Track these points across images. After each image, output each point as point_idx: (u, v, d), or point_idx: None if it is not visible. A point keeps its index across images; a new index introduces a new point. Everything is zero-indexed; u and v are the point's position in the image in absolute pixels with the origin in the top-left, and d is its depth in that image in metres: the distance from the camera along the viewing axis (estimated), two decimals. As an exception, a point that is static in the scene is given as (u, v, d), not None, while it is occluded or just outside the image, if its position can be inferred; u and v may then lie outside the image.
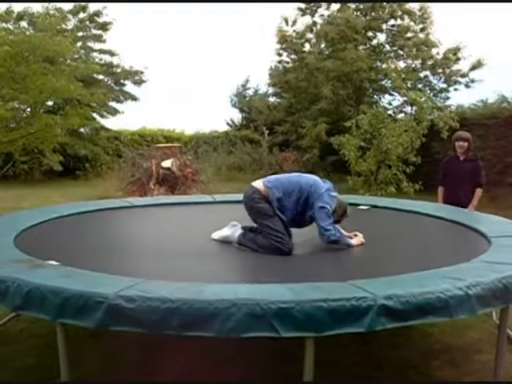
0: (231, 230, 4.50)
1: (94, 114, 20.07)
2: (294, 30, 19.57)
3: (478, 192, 6.39)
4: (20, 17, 18.07)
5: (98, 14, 21.26)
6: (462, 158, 6.47)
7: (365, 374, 3.85)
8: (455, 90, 18.44)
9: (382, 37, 19.18)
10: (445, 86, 18.54)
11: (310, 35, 19.56)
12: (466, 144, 6.45)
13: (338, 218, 4.37)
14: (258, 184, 4.41)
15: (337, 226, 4.39)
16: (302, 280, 3.00)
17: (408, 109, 16.80)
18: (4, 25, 11.27)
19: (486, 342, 4.38)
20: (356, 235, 4.46)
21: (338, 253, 4.24)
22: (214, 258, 4.11)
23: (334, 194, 4.41)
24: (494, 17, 25.34)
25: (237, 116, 25.48)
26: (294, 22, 19.48)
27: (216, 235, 4.60)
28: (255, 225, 4.44)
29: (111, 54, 22.01)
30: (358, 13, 18.82)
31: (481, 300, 2.88)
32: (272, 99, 23.49)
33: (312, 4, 19.16)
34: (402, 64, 18.95)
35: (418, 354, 4.25)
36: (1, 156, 14.69)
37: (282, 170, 19.55)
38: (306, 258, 4.14)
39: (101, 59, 21.95)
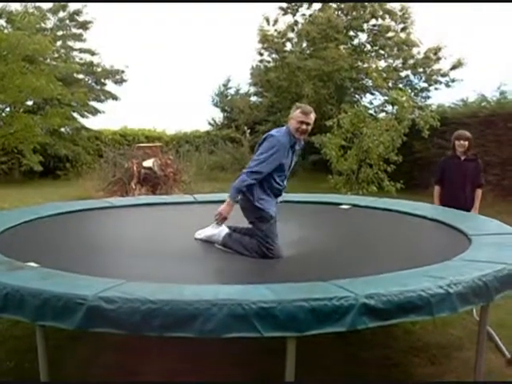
0: (217, 230, 4.45)
1: (75, 114, 19.96)
2: (276, 30, 19.60)
3: (479, 193, 6.20)
4: (-2, 15, 17.89)
5: (78, 12, 21.11)
6: (462, 158, 6.25)
7: (347, 372, 3.85)
8: (436, 89, 18.62)
9: (363, 36, 19.32)
10: (425, 85, 18.69)
11: (291, 34, 19.61)
12: (466, 143, 6.24)
13: (298, 122, 4.26)
14: None
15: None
16: (284, 281, 2.99)
17: (389, 108, 16.87)
18: (-18, 23, 11.15)
19: (466, 339, 4.41)
20: None
21: (319, 253, 4.25)
22: (195, 259, 4.09)
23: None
24: (473, 16, 25.59)
25: (218, 115, 25.46)
26: (276, 22, 19.53)
27: (199, 234, 4.58)
28: (240, 225, 4.42)
29: (91, 53, 21.87)
30: (340, 12, 18.90)
31: (461, 298, 2.89)
32: (253, 98, 23.51)
33: (293, 3, 19.20)
34: (383, 63, 19.09)
35: (399, 352, 4.26)
36: (-21, 156, 14.52)
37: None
38: (288, 258, 4.13)
39: (81, 58, 21.82)
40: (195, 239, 4.59)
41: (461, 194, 6.11)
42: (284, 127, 4.38)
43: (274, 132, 4.36)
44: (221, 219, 4.22)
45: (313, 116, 4.32)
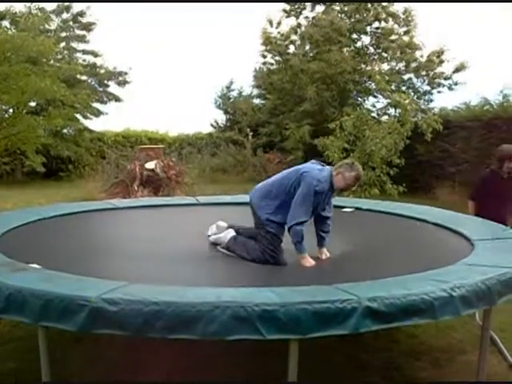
0: (223, 233, 4.44)
1: (78, 115, 19.96)
2: (279, 32, 19.59)
3: None
4: (2, 16, 17.90)
5: (81, 14, 21.15)
6: (505, 176, 5.76)
7: (349, 375, 3.85)
8: (439, 92, 18.59)
9: (366, 39, 19.29)
10: (428, 88, 18.66)
11: (294, 37, 19.59)
12: None
13: (347, 184, 4.16)
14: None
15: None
16: (287, 284, 3.00)
17: (392, 111, 16.87)
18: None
19: (469, 343, 4.40)
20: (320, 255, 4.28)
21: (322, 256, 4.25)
22: (198, 261, 4.09)
23: (322, 168, 4.26)
24: (476, 20, 25.58)
25: (221, 117, 25.44)
26: (279, 24, 19.52)
27: (211, 234, 4.57)
28: (243, 225, 4.42)
29: (95, 54, 21.89)
30: (343, 15, 18.88)
31: (464, 301, 2.89)
32: (256, 101, 23.51)
33: (297, 6, 19.21)
34: (386, 66, 19.05)
35: (401, 355, 4.26)
36: (-18, 157, 14.55)
37: (266, 172, 19.59)
38: (292, 261, 4.12)
39: (84, 60, 21.83)
40: (208, 236, 4.57)
41: (500, 211, 5.64)
42: (326, 171, 4.21)
43: (311, 170, 4.20)
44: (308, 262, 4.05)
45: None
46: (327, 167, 4.28)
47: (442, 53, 18.02)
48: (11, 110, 12.17)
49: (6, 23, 18.02)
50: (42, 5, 18.81)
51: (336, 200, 7.13)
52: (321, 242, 4.31)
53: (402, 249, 4.53)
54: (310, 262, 4.00)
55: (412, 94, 17.81)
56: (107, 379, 3.60)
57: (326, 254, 4.26)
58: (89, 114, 20.99)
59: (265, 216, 4.16)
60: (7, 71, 10.39)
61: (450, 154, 14.23)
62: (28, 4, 17.63)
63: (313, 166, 4.30)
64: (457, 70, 17.94)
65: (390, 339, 4.48)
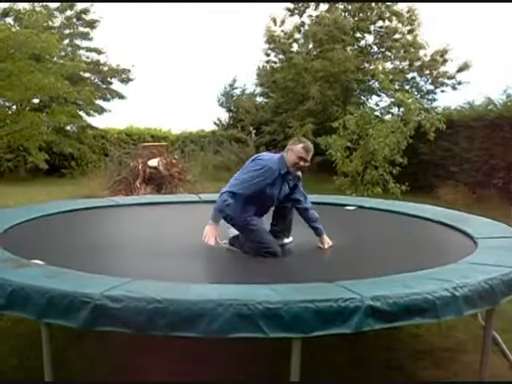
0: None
1: (81, 112, 19.96)
2: (282, 30, 19.60)
3: None
4: (5, 13, 17.91)
5: (85, 11, 21.14)
6: None
7: (350, 374, 3.84)
8: (442, 91, 18.60)
9: (369, 38, 19.30)
10: (432, 87, 18.67)
11: (298, 35, 19.60)
12: None
13: (298, 158, 4.18)
14: None
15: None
16: (290, 281, 2.99)
17: (395, 110, 16.85)
18: (-11, 21, 11.21)
19: (471, 342, 4.39)
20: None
21: (324, 254, 4.25)
22: (200, 258, 4.09)
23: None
24: (480, 19, 25.54)
25: (224, 115, 25.45)
26: (283, 22, 19.52)
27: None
28: None
29: (98, 51, 21.89)
30: (347, 14, 18.88)
31: (467, 301, 2.89)
32: (259, 99, 23.51)
33: (300, 4, 19.19)
34: (389, 65, 19.04)
35: (403, 355, 4.25)
36: (-15, 153, 14.57)
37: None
38: (293, 258, 4.13)
39: (88, 57, 21.83)
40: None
41: None
42: (278, 154, 4.31)
43: (264, 155, 4.34)
44: (209, 240, 4.12)
45: (311, 154, 4.26)
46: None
47: (446, 52, 18.02)
48: (14, 107, 12.18)
49: (9, 20, 18.02)
50: (45, 2, 18.83)
51: (339, 198, 7.17)
52: (316, 231, 4.37)
53: (404, 247, 4.53)
54: (211, 233, 4.06)
55: (415, 93, 17.81)
56: (109, 378, 3.60)
57: (327, 241, 4.31)
58: (92, 111, 20.99)
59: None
60: (11, 68, 10.39)
61: (453, 154, 14.20)
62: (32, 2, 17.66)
63: (265, 153, 4.48)
64: (460, 70, 17.94)
65: (392, 338, 4.48)
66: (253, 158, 4.33)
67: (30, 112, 12.12)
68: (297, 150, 4.18)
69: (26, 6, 17.85)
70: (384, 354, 4.21)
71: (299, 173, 4.37)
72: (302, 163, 4.20)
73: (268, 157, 4.29)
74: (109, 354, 4.01)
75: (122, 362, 3.84)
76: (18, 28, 14.81)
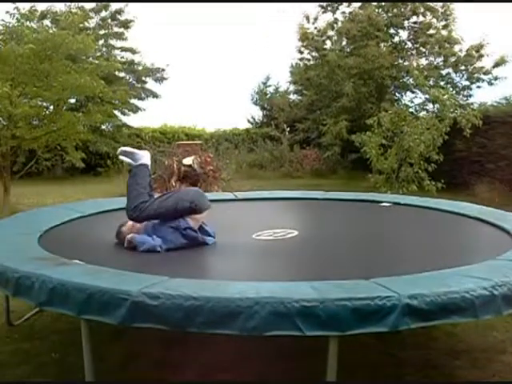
0: None
1: (116, 112, 20.20)
2: (316, 28, 19.55)
3: None
4: (43, 15, 18.21)
5: (119, 11, 21.44)
6: None
7: (386, 372, 3.82)
8: (478, 87, 18.29)
9: (403, 34, 19.11)
10: (467, 83, 18.38)
11: (331, 32, 19.53)
12: None
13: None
14: None
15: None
16: (326, 278, 2.98)
17: (430, 106, 16.69)
18: (28, 23, 11.38)
19: (509, 342, 4.33)
20: None
21: (358, 249, 4.27)
22: (236, 255, 4.11)
23: None
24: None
25: (257, 113, 25.55)
26: (316, 20, 19.47)
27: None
28: None
29: (133, 51, 22.16)
30: (380, 10, 18.72)
31: (506, 300, 2.84)
32: (293, 97, 23.52)
33: (334, 1, 19.11)
34: (424, 61, 18.84)
35: (440, 354, 4.20)
36: (24, 153, 14.85)
37: (303, 168, 19.55)
38: (331, 255, 4.12)
39: (122, 57, 22.11)
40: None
41: None
42: None
43: None
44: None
45: None
46: None
47: (482, 47, 17.73)
48: (51, 107, 12.37)
49: (47, 22, 18.33)
50: (81, 4, 19.10)
51: (373, 195, 7.13)
52: None
53: (441, 244, 4.47)
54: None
55: (451, 89, 17.55)
56: (146, 376, 3.65)
57: None
58: (127, 111, 21.27)
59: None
60: (48, 69, 10.57)
61: (490, 151, 14.00)
62: (68, 3, 17.92)
63: None
64: (497, 65, 17.63)
65: (428, 337, 4.44)
66: None
67: (67, 112, 12.31)
68: None
69: (63, 8, 18.12)
70: (419, 353, 4.17)
71: None
72: None
73: None
74: (147, 351, 4.05)
75: (160, 358, 3.89)
76: (55, 29, 15.04)
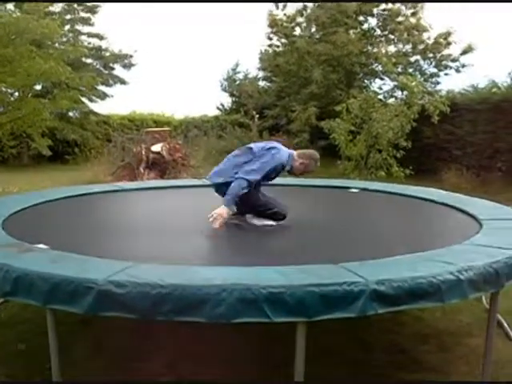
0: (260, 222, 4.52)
1: (83, 98, 19.94)
2: (285, 14, 19.47)
3: None
4: (6, -1, 17.83)
5: (86, -4, 21.07)
6: None
7: (354, 357, 3.85)
8: (446, 74, 18.47)
9: (372, 21, 19.15)
10: (435, 70, 18.54)
11: (300, 19, 19.48)
12: None
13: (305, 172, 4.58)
14: None
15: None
16: (293, 262, 2.97)
17: (399, 93, 16.80)
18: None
19: (475, 326, 4.39)
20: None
21: (327, 234, 4.27)
22: (202, 241, 4.10)
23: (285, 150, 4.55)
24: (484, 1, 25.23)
25: (227, 100, 25.42)
26: (285, 6, 19.38)
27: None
28: None
29: (100, 37, 21.85)
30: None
31: (472, 285, 2.87)
32: (262, 83, 23.45)
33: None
34: (392, 48, 18.93)
35: (408, 339, 4.25)
36: (-12, 140, 14.58)
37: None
38: (299, 240, 4.12)
39: (89, 43, 21.79)
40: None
41: None
42: (289, 151, 4.55)
43: (280, 147, 4.54)
44: (215, 223, 4.20)
45: None
46: (290, 150, 4.59)
47: (450, 35, 17.87)
48: (16, 94, 12.17)
49: (10, 6, 17.93)
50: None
51: (342, 182, 7.16)
52: None
53: (407, 229, 4.52)
54: (221, 217, 4.19)
55: (419, 76, 17.69)
56: (113, 363, 3.62)
57: (215, 211, 4.29)
58: (94, 97, 20.99)
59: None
60: (12, 54, 10.38)
61: (457, 137, 14.16)
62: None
63: (277, 144, 4.61)
64: (464, 52, 17.80)
65: (396, 322, 4.49)
66: (268, 146, 4.50)
67: (33, 98, 12.11)
68: (311, 165, 4.56)
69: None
70: (387, 337, 4.22)
71: None
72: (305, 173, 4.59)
73: (284, 152, 4.49)
74: (113, 339, 4.01)
75: (127, 347, 3.86)
76: (18, 14, 14.74)
